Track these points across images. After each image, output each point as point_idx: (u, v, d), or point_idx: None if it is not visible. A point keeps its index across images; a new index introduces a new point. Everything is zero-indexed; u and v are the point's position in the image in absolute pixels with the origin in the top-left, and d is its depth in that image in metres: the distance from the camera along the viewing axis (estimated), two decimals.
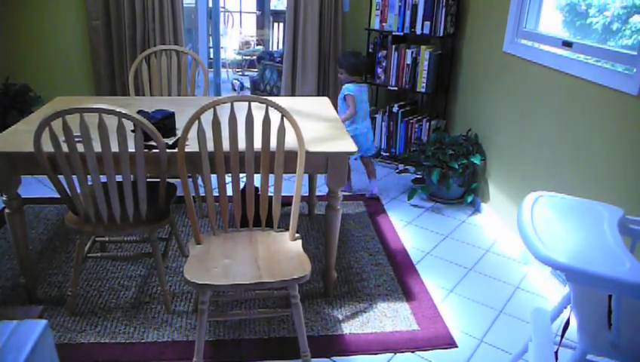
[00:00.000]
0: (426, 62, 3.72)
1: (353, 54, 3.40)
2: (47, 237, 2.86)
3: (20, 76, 3.95)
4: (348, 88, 3.32)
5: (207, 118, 1.93)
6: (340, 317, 2.27)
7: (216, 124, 1.83)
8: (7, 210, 2.10)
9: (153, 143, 1.95)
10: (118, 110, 1.78)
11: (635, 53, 2.06)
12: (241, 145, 1.91)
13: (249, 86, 5.92)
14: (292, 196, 2.01)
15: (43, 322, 0.88)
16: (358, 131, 3.36)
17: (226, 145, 1.90)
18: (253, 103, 1.88)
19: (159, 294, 2.38)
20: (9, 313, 0.97)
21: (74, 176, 1.91)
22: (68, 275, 2.50)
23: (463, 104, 3.73)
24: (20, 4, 3.81)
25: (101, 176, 1.93)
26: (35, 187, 3.45)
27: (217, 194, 2.02)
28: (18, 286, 2.39)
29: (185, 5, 3.94)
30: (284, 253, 1.91)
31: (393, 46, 3.86)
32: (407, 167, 3.82)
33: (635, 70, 2.04)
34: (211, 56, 4.92)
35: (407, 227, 3.14)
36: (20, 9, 3.83)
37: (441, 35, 3.64)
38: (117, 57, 3.90)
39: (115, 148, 1.85)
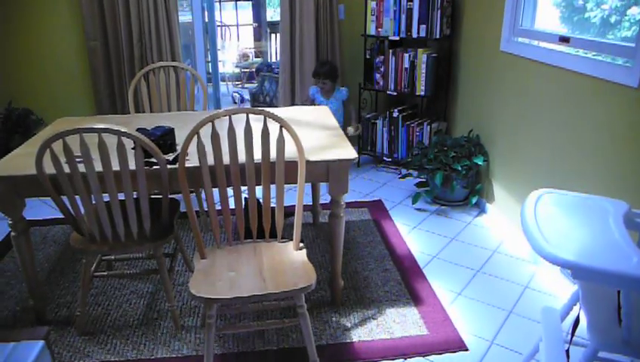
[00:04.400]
0: (424, 65, 3.73)
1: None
2: (54, 257, 2.86)
3: (21, 100, 3.99)
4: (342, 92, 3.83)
5: (206, 132, 1.94)
6: (349, 324, 2.26)
7: (215, 137, 1.84)
8: (12, 233, 2.11)
9: (154, 160, 1.96)
10: (117, 129, 1.79)
11: (634, 44, 2.05)
12: (242, 157, 1.91)
13: (249, 98, 5.94)
14: (295, 206, 2.01)
15: (40, 343, 0.89)
16: None
17: (226, 159, 1.90)
18: (252, 115, 1.89)
19: (167, 310, 2.38)
20: (14, 335, 0.97)
21: (77, 197, 1.92)
22: (76, 295, 2.50)
23: (463, 105, 3.72)
24: (18, 28, 3.86)
25: (104, 195, 1.94)
26: (42, 209, 3.47)
27: (220, 208, 2.02)
28: (27, 308, 2.39)
29: (181, 21, 3.97)
30: (288, 264, 1.91)
31: (390, 51, 3.87)
32: (410, 171, 3.81)
33: (634, 62, 2.02)
34: (210, 70, 4.94)
35: (413, 231, 3.12)
36: (17, 33, 3.87)
37: (438, 37, 3.64)
38: (116, 76, 3.93)
39: (116, 166, 1.85)
